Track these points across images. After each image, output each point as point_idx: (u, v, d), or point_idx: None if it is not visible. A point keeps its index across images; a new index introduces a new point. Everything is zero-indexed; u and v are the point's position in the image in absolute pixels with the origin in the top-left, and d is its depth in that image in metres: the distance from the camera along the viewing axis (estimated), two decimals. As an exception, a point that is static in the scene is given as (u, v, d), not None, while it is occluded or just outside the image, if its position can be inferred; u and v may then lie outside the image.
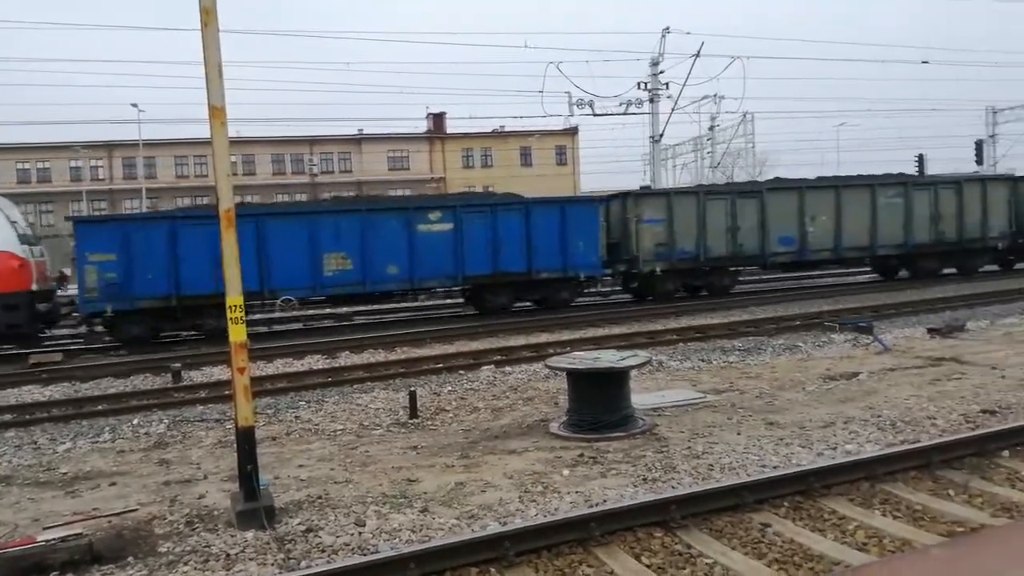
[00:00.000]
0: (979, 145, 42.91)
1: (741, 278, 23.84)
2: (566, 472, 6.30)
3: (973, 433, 6.50)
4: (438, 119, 59.76)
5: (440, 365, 12.24)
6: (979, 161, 41.81)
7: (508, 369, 11.70)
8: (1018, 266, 25.22)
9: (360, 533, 5.16)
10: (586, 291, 21.68)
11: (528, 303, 20.42)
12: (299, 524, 5.40)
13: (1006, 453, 6.16)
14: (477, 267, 18.82)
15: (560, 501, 5.59)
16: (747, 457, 6.45)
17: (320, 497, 6.00)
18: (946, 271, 23.87)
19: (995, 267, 24.97)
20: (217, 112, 5.48)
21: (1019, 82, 58.67)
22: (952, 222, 23.17)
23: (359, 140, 58.91)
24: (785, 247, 21.62)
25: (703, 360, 11.86)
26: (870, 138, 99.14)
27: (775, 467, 6.07)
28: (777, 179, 23.85)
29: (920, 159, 39.46)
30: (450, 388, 10.50)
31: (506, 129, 57.13)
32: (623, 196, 21.38)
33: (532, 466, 6.52)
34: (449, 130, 59.96)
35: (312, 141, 57.93)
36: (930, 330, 13.02)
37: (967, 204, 23.33)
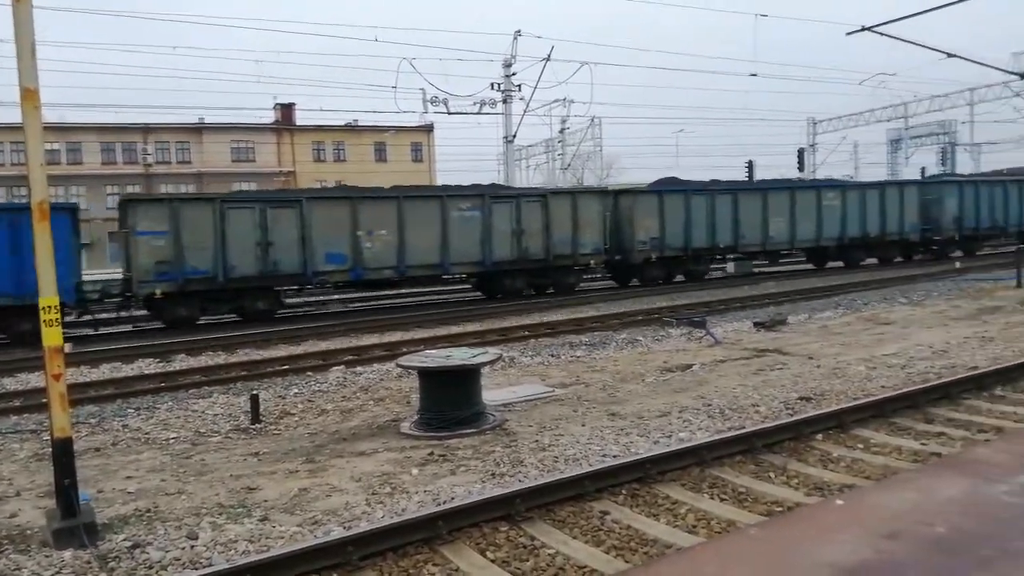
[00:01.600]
0: (801, 153, 46.89)
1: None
2: (415, 472, 6.27)
3: (791, 419, 7.06)
4: (287, 110, 57.51)
5: (286, 367, 11.81)
6: (801, 168, 45.68)
7: (359, 369, 11.48)
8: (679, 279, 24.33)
9: (192, 547, 4.87)
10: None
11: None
12: (124, 540, 5.02)
13: (819, 436, 6.76)
14: None
15: (408, 501, 5.55)
16: (590, 448, 6.68)
17: (149, 510, 5.62)
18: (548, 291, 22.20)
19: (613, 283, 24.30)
20: (30, 95, 5.03)
21: (836, 95, 64.89)
22: (539, 238, 21.17)
23: (199, 129, 55.61)
24: (335, 265, 18.66)
25: (552, 355, 12.18)
26: (706, 144, 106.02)
27: (615, 456, 6.32)
28: (338, 187, 21.05)
29: (750, 165, 42.58)
30: (296, 391, 10.16)
31: (360, 123, 55.98)
32: (123, 203, 17.83)
33: (381, 467, 6.43)
34: (299, 122, 57.90)
35: (147, 129, 54.04)
36: (756, 324, 14.08)
37: (555, 218, 21.37)
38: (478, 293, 22.75)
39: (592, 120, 43.51)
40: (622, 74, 63.06)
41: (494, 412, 7.95)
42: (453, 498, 5.48)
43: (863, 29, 18.33)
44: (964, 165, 53.62)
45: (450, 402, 7.50)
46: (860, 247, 27.45)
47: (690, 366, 10.40)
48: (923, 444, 6.45)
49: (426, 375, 7.63)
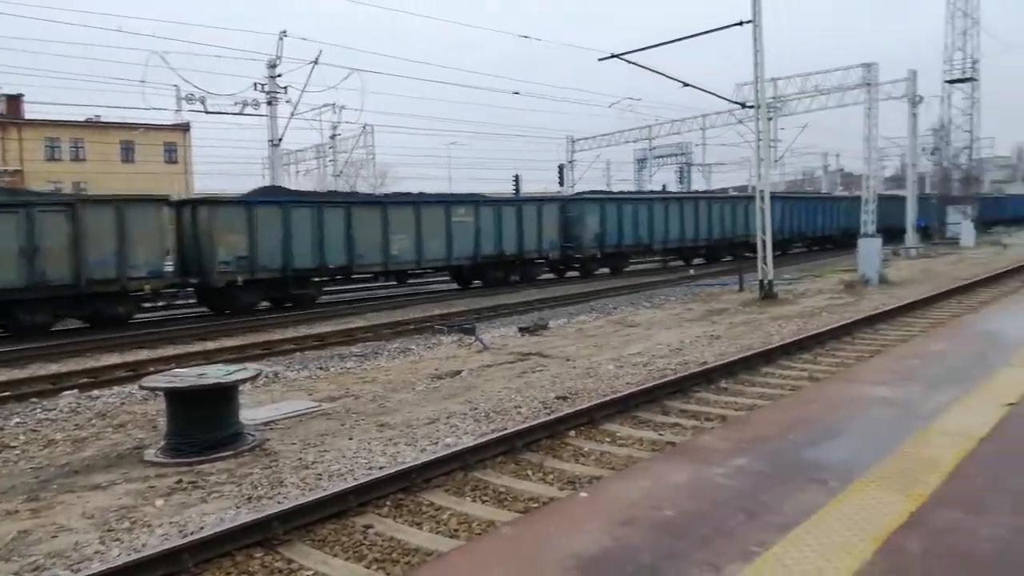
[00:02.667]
0: (561, 169, 49.90)
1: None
2: (160, 502, 5.75)
3: (548, 418, 7.44)
4: (14, 102, 50.50)
5: (7, 393, 10.32)
6: (561, 183, 48.60)
7: (96, 393, 10.35)
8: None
9: None
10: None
11: None
12: None
13: (573, 433, 7.20)
14: None
15: (151, 536, 5.08)
16: (356, 461, 6.57)
17: None
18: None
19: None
20: None
21: (592, 117, 70.29)
22: (64, 258, 16.22)
23: None
24: None
25: (321, 368, 11.83)
26: (477, 157, 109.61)
27: (382, 468, 6.27)
28: None
29: (516, 179, 44.60)
30: (18, 420, 8.91)
31: (103, 119, 50.59)
32: None
33: (119, 500, 5.83)
34: (28, 116, 51.07)
35: None
36: (521, 329, 14.73)
37: (91, 233, 16.54)
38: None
39: (364, 127, 43.02)
40: (394, 84, 63.13)
41: (254, 432, 7.54)
42: (202, 528, 5.11)
43: (612, 56, 19.90)
44: (698, 183, 60.27)
45: (202, 424, 6.98)
46: (497, 265, 25.69)
47: (459, 372, 10.62)
48: (660, 435, 7.12)
49: (174, 396, 7.04)
